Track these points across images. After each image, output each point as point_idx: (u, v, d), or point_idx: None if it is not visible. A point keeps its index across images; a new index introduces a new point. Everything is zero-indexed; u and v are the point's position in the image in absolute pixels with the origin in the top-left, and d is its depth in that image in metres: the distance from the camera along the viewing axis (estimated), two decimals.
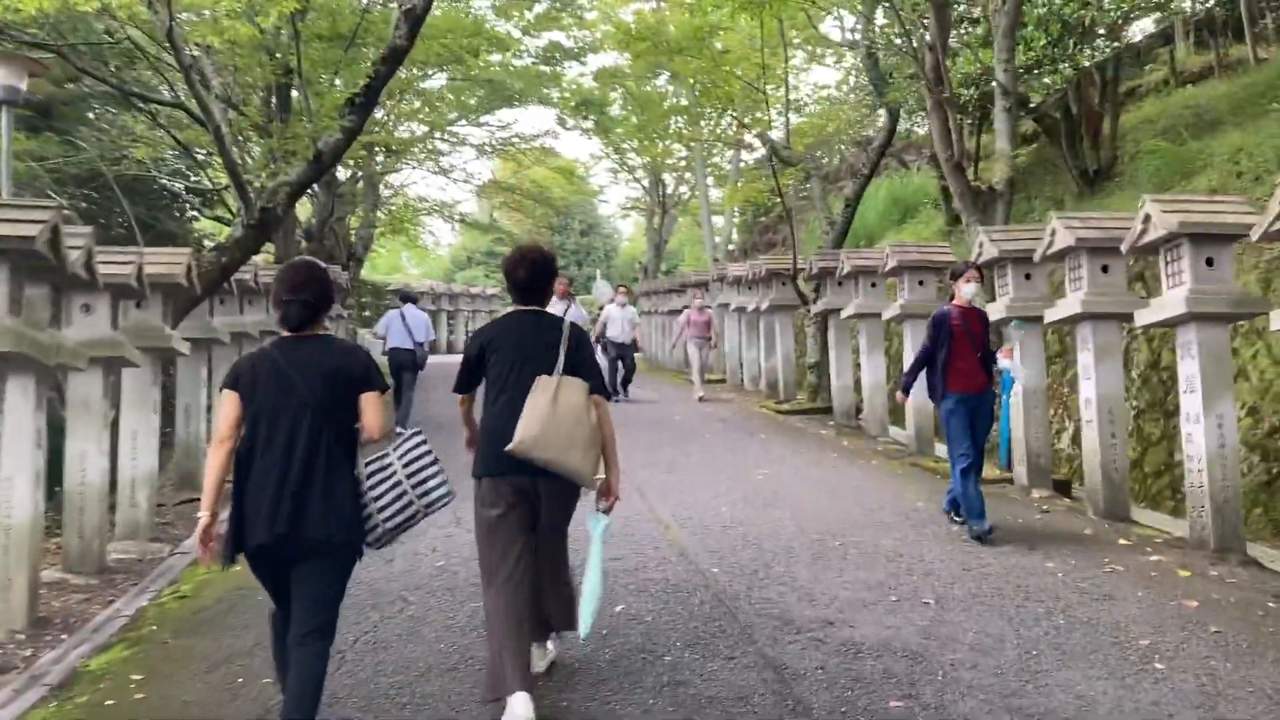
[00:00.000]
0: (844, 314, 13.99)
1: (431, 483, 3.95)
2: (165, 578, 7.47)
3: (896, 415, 14.54)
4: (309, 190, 23.09)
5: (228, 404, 3.87)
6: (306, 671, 3.76)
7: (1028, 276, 9.68)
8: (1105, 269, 8.50)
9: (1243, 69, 14.87)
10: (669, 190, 34.69)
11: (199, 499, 10.36)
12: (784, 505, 8.44)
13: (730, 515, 8.05)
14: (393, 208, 27.60)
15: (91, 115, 18.26)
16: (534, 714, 4.02)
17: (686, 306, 19.44)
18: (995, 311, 9.67)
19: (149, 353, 8.58)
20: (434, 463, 3.99)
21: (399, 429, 4.16)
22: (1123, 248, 8.02)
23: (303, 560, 3.78)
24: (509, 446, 4.20)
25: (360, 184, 24.27)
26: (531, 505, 4.38)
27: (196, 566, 7.70)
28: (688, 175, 34.73)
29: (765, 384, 18.51)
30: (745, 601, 5.78)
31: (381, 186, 26.89)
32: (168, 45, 9.96)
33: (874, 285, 13.51)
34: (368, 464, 3.91)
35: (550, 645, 4.86)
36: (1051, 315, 8.86)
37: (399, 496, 3.90)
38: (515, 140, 29.26)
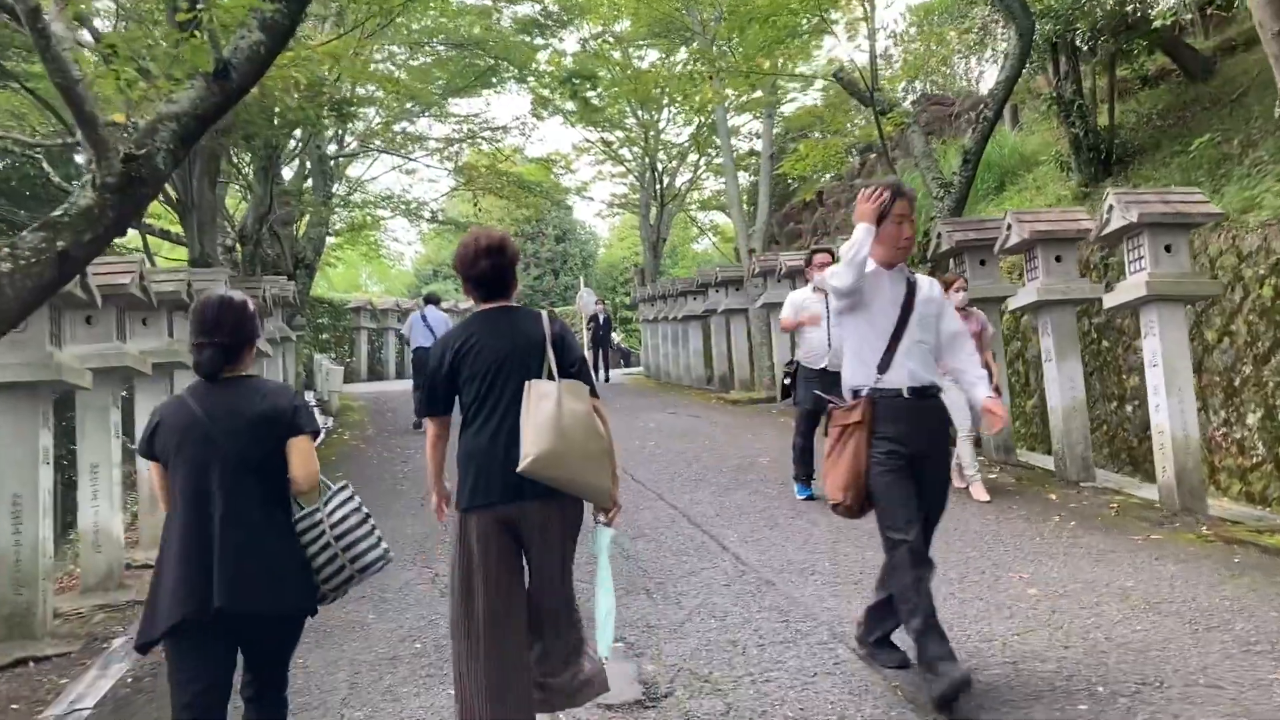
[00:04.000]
0: (1013, 304, 9.74)
1: (362, 545, 3.51)
2: None
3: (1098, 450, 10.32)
4: (237, 177, 18.59)
5: (155, 475, 3.54)
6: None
7: None
8: None
9: None
10: (665, 182, 30.39)
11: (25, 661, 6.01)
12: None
13: None
14: (351, 205, 23.04)
15: None
16: None
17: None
18: None
19: None
20: (363, 521, 3.53)
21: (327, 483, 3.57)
22: None
23: (249, 633, 3.37)
24: (521, 466, 3.52)
25: (308, 177, 19.72)
26: (519, 544, 3.70)
27: None
28: (684, 163, 30.56)
29: None
30: None
31: (336, 183, 22.33)
32: None
33: (1059, 259, 9.27)
34: (298, 521, 3.49)
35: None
36: None
37: (331, 559, 3.47)
38: (486, 131, 24.84)
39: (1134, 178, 12.78)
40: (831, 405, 4.52)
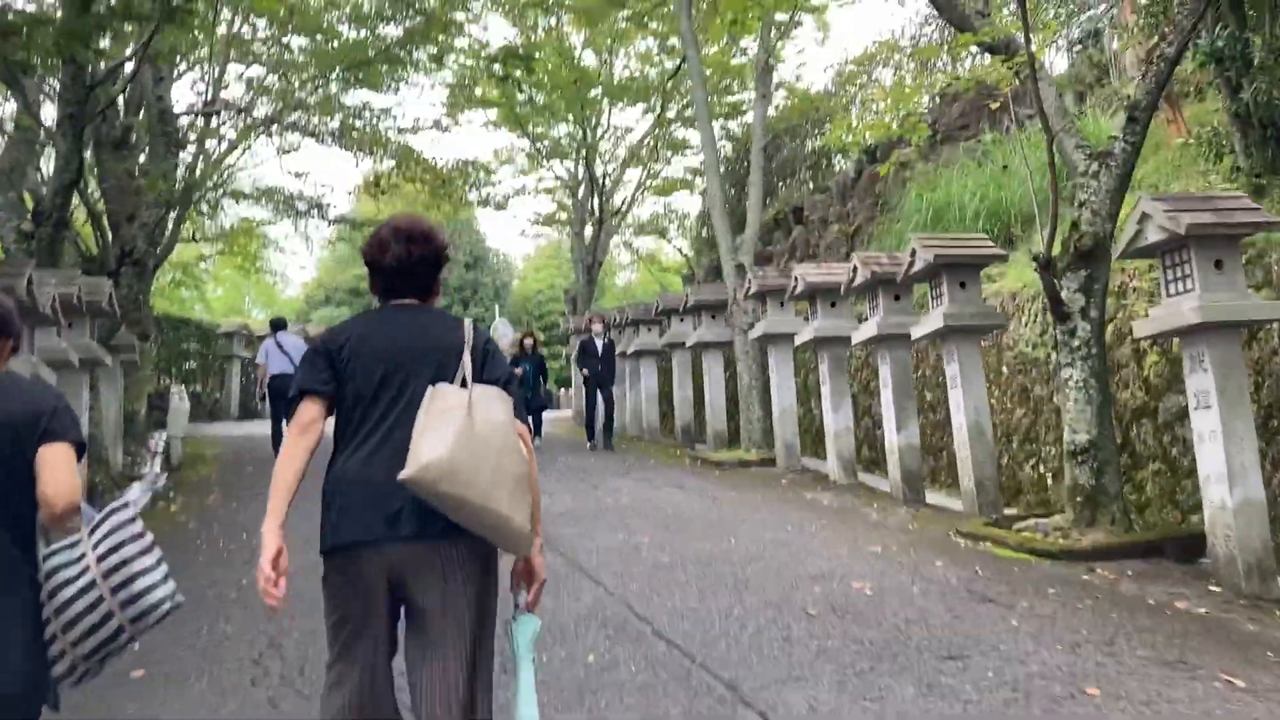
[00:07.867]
0: None
1: (140, 583, 2.50)
2: None
3: None
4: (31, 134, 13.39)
5: None
6: None
7: None
8: None
9: None
10: (606, 197, 25.95)
11: None
12: None
13: None
14: (230, 195, 18.17)
15: None
16: None
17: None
18: None
19: None
20: (145, 551, 2.56)
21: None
22: None
23: None
24: (405, 473, 2.53)
25: (141, 116, 14.77)
26: (398, 605, 2.68)
27: None
28: (621, 183, 26.24)
29: (900, 475, 10.00)
30: None
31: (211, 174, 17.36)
32: None
33: None
34: (49, 556, 2.55)
35: None
36: None
37: (93, 605, 2.48)
38: (394, 129, 20.36)
39: None
40: None
